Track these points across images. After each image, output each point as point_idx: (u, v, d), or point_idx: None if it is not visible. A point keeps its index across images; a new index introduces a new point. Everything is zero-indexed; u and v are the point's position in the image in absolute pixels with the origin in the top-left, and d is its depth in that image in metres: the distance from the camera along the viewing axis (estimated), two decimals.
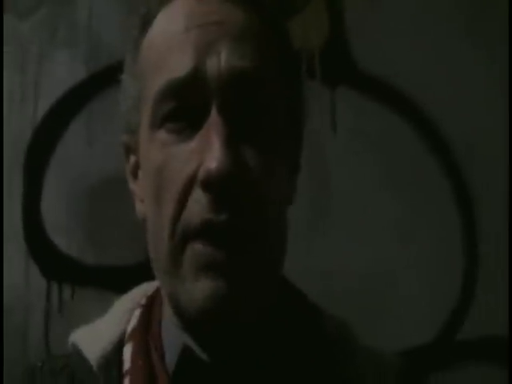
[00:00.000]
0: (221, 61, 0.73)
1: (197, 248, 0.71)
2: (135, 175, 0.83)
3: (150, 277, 0.88)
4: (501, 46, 1.90)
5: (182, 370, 0.76)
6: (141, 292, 0.91)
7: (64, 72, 1.77)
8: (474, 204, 1.87)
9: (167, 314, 0.81)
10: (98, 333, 0.87)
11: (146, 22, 0.80)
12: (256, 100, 0.74)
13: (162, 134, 0.74)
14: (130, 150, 0.84)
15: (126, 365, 0.81)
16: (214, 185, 0.70)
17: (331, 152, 1.81)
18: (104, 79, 1.74)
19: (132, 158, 0.83)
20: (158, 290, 0.88)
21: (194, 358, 0.76)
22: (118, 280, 1.63)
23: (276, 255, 0.77)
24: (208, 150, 0.70)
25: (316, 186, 1.78)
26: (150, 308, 0.86)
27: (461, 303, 1.84)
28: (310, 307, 0.86)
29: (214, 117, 0.72)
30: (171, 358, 0.78)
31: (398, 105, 1.87)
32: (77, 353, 0.85)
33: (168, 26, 0.77)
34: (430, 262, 1.82)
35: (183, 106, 0.73)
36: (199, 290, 0.71)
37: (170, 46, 0.75)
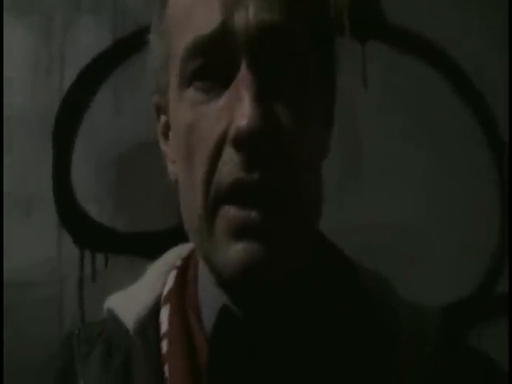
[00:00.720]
0: (249, 15, 0.70)
1: (229, 210, 0.70)
2: (166, 136, 0.82)
3: (182, 241, 0.88)
4: None
5: (220, 329, 0.74)
6: (175, 254, 0.91)
7: (89, 40, 1.75)
8: (504, 146, 1.84)
9: (203, 272, 0.80)
10: (133, 297, 0.86)
11: None
12: (286, 54, 0.72)
13: (191, 93, 0.73)
14: (160, 109, 0.82)
15: (164, 327, 0.81)
16: (244, 142, 0.68)
17: (362, 107, 1.79)
18: (130, 45, 1.72)
19: (163, 118, 0.82)
20: (192, 252, 0.87)
21: (232, 317, 0.75)
22: (150, 246, 1.62)
23: (311, 214, 0.75)
24: (238, 107, 0.68)
25: (346, 143, 1.77)
26: (186, 270, 0.85)
27: (497, 255, 1.81)
28: (346, 261, 0.85)
29: (243, 72, 0.70)
30: (208, 318, 0.77)
31: (429, 57, 1.84)
32: (113, 318, 0.85)
33: None
34: (464, 213, 1.80)
35: (212, 63, 0.71)
36: (233, 253, 0.70)
37: (196, 1, 0.73)
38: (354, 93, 1.77)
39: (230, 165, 0.69)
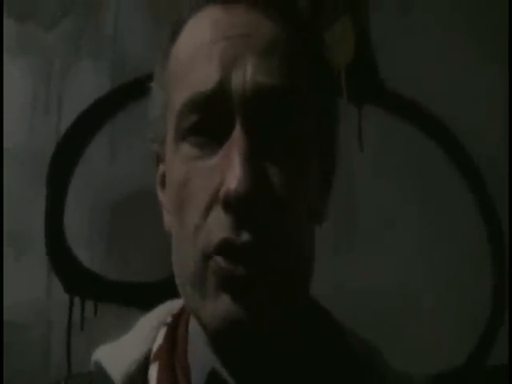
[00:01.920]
0: (246, 76, 0.71)
1: (219, 262, 0.69)
2: (163, 185, 0.82)
3: (174, 293, 0.86)
4: None
5: None
6: (166, 310, 0.89)
7: (88, 85, 1.76)
8: (500, 221, 1.85)
9: (194, 331, 0.79)
10: (122, 351, 0.85)
11: (175, 31, 0.78)
12: (281, 117, 0.72)
13: (186, 148, 0.73)
14: (159, 158, 0.82)
15: None
16: (233, 205, 0.68)
17: (357, 170, 1.80)
18: (128, 93, 1.73)
19: (161, 167, 0.82)
20: (183, 309, 0.86)
21: (221, 381, 0.74)
22: (141, 296, 1.62)
23: (300, 275, 0.75)
24: (229, 169, 0.68)
25: (342, 205, 1.77)
26: (176, 327, 0.84)
27: (489, 328, 1.81)
28: (338, 327, 0.84)
29: (236, 133, 0.70)
30: (197, 379, 0.76)
31: (424, 123, 1.86)
32: (100, 371, 0.83)
33: (195, 36, 0.75)
34: (457, 281, 1.80)
35: (207, 120, 0.71)
36: (220, 305, 0.69)
37: (196, 57, 0.73)
38: (350, 155, 1.79)
39: (220, 224, 0.69)
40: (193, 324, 0.80)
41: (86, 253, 1.70)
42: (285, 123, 0.72)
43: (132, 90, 1.72)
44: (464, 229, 1.84)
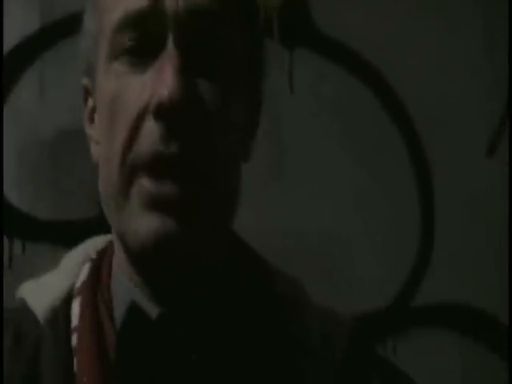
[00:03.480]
0: None
1: (144, 182, 0.71)
2: (92, 119, 0.83)
3: (103, 231, 0.87)
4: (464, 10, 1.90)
5: (129, 328, 0.75)
6: (91, 246, 0.90)
7: (17, 23, 1.72)
8: (431, 171, 1.89)
9: (118, 265, 0.80)
10: (46, 287, 0.85)
11: None
12: (213, 36, 0.74)
13: (118, 66, 0.74)
14: (88, 92, 0.83)
15: (74, 320, 0.80)
16: (164, 113, 0.69)
17: (288, 112, 1.81)
18: (58, 31, 1.70)
19: (90, 102, 0.83)
20: (108, 245, 0.87)
21: (141, 316, 0.75)
22: (70, 235, 1.61)
23: (226, 200, 0.76)
24: (160, 79, 0.70)
25: (271, 146, 1.78)
26: (101, 262, 0.85)
27: (415, 270, 1.86)
28: (263, 265, 0.86)
29: (169, 49, 0.72)
30: (120, 314, 0.77)
31: (356, 67, 1.87)
32: (23, 307, 0.84)
33: None
34: (385, 227, 1.84)
35: (140, 38, 0.73)
36: (144, 225, 0.71)
37: None
38: (280, 96, 1.79)
39: (150, 137, 0.71)
40: (117, 260, 0.81)
41: (15, 192, 1.67)
42: (216, 45, 0.74)
43: (61, 28, 1.69)
44: (394, 173, 1.87)
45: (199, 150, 0.71)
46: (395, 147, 1.88)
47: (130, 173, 0.72)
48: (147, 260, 0.74)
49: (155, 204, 0.70)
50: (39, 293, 0.84)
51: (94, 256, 0.87)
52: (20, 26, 1.72)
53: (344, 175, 1.83)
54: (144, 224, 0.71)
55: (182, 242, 0.71)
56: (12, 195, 1.67)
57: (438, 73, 1.90)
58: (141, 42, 0.73)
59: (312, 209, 1.80)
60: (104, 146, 0.76)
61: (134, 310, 0.75)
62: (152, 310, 0.76)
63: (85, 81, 0.83)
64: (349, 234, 1.82)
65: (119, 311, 0.77)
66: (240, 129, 0.78)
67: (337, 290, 1.73)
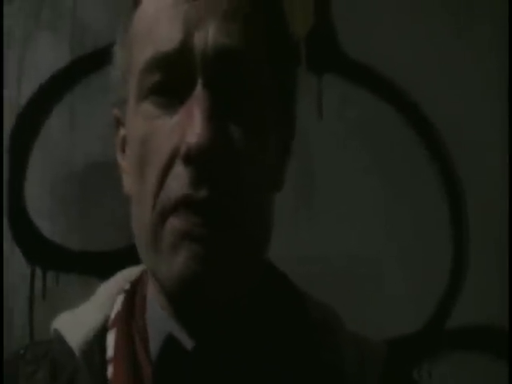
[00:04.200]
0: (208, 37, 0.73)
1: (176, 222, 0.71)
2: (123, 149, 0.83)
3: (134, 262, 0.88)
4: (490, 33, 1.90)
5: (165, 360, 0.75)
6: (124, 277, 0.91)
7: (48, 56, 1.75)
8: (461, 192, 1.87)
9: (152, 295, 0.81)
10: (80, 319, 0.86)
11: None
12: (242, 79, 0.74)
13: (147, 106, 0.74)
14: (119, 123, 0.84)
15: (110, 352, 0.81)
16: (193, 159, 0.70)
17: (316, 138, 1.81)
18: (88, 64, 1.72)
19: (121, 132, 0.84)
20: (141, 275, 0.87)
21: (177, 347, 0.75)
22: (102, 266, 1.62)
23: (257, 237, 0.76)
24: (190, 125, 0.70)
25: (300, 173, 1.78)
26: (134, 293, 0.86)
27: (448, 292, 1.84)
28: (296, 292, 0.86)
29: (198, 91, 0.72)
30: (155, 344, 0.77)
31: (384, 92, 1.87)
32: (59, 339, 0.85)
33: (158, 0, 0.77)
34: (416, 248, 1.82)
35: (169, 80, 0.73)
36: (175, 265, 0.71)
37: (159, 18, 0.75)
38: (309, 123, 1.80)
39: (179, 181, 0.71)
40: (151, 290, 0.81)
41: (48, 224, 1.69)
42: (245, 85, 0.74)
43: (91, 62, 1.71)
44: (423, 194, 1.86)
45: (229, 193, 0.72)
46: (423, 169, 1.87)
47: (161, 215, 0.72)
48: (179, 299, 0.74)
49: (186, 243, 0.71)
50: (74, 325, 0.85)
51: (127, 287, 0.88)
52: (50, 59, 1.74)
53: (372, 198, 1.82)
54: (175, 264, 0.71)
55: (213, 281, 0.71)
56: (45, 227, 1.69)
57: (466, 92, 1.89)
58: (169, 83, 0.73)
59: (340, 233, 1.79)
60: (135, 186, 0.77)
61: (170, 341, 0.76)
62: (187, 341, 0.76)
63: (116, 111, 0.84)
64: (378, 256, 1.80)
65: (154, 342, 0.78)
66: (273, 160, 0.79)
67: (366, 314, 1.72)
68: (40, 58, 1.75)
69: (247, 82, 0.74)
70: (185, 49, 0.72)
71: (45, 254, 1.68)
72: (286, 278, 0.87)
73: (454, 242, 1.86)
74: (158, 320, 0.79)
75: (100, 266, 1.63)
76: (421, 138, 1.87)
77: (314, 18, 1.84)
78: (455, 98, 1.88)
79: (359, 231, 1.80)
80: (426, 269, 1.82)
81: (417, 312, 1.82)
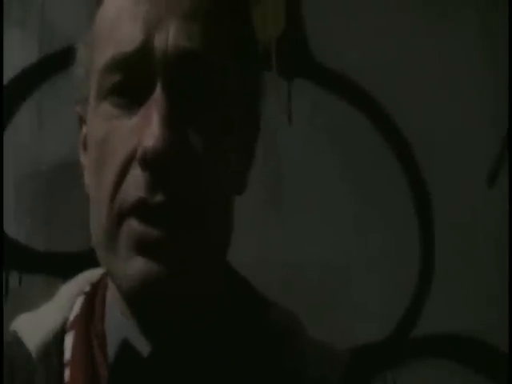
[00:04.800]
0: (169, 39, 0.72)
1: (132, 224, 0.70)
2: (85, 147, 0.82)
3: (98, 263, 0.87)
4: (457, 34, 1.92)
5: (121, 364, 0.74)
6: (85, 279, 0.90)
7: (16, 54, 1.73)
8: (430, 199, 1.89)
9: (112, 299, 0.80)
10: (39, 320, 0.85)
11: None
12: (203, 81, 0.73)
13: (106, 107, 0.74)
14: (82, 120, 0.83)
15: (67, 354, 0.80)
16: (149, 163, 0.69)
17: (286, 143, 1.82)
18: (56, 63, 1.71)
19: (84, 129, 0.82)
20: (102, 277, 0.86)
21: (133, 352, 0.75)
22: (66, 267, 1.61)
23: (216, 241, 0.76)
24: (147, 128, 0.69)
25: (269, 178, 1.78)
26: (94, 296, 0.85)
27: (415, 300, 1.85)
28: (257, 297, 0.86)
29: (157, 94, 0.71)
30: (113, 348, 0.76)
31: (353, 98, 1.88)
32: (16, 341, 0.83)
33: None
34: (385, 256, 1.84)
35: (128, 81, 0.72)
36: (132, 267, 0.70)
37: (120, 17, 0.74)
38: (278, 127, 1.80)
39: (135, 183, 0.70)
40: (111, 293, 0.81)
41: (12, 224, 1.68)
42: (205, 88, 0.73)
43: (59, 60, 1.70)
44: (394, 202, 1.87)
45: (186, 197, 0.71)
46: (394, 176, 1.88)
47: (117, 215, 0.71)
48: (136, 301, 0.73)
49: (143, 246, 0.70)
50: (33, 326, 0.84)
51: (87, 289, 0.87)
52: (19, 57, 1.73)
53: (342, 204, 1.83)
54: (132, 266, 0.70)
55: (171, 284, 0.70)
56: (10, 227, 1.67)
57: (438, 100, 1.91)
58: (129, 84, 0.72)
59: (310, 238, 1.80)
60: (92, 186, 0.76)
61: (125, 346, 0.75)
62: (144, 346, 0.75)
63: (78, 109, 0.83)
64: (347, 263, 1.81)
65: (112, 346, 0.77)
66: (234, 164, 0.78)
67: (335, 321, 1.72)
68: (9, 56, 1.73)
69: (208, 84, 0.74)
70: (145, 50, 0.71)
71: (8, 254, 1.66)
72: (248, 283, 0.86)
73: (423, 249, 1.87)
74: (116, 324, 0.78)
75: (65, 266, 1.62)
76: (390, 144, 1.88)
77: (285, 23, 1.84)
78: (429, 104, 1.90)
79: (328, 237, 1.81)
80: (394, 276, 1.83)
81: (385, 320, 1.83)
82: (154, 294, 0.71)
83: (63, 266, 1.64)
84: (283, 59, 1.83)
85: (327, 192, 1.83)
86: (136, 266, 0.70)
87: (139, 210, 0.70)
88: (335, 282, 1.80)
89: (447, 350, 1.85)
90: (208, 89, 0.73)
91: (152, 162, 0.69)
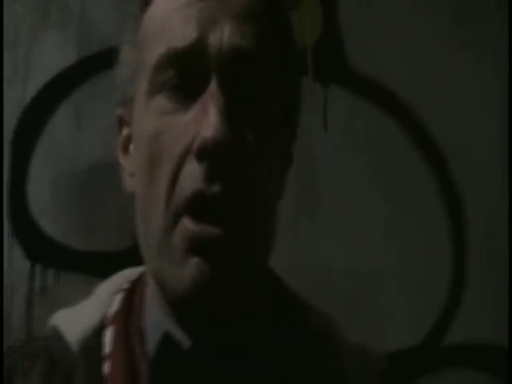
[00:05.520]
0: (224, 37, 0.73)
1: (187, 224, 0.71)
2: (126, 149, 0.83)
3: (135, 263, 0.88)
4: (492, 46, 1.91)
5: (161, 357, 0.75)
6: (124, 277, 0.91)
7: (55, 55, 1.75)
8: (462, 207, 1.88)
9: (151, 296, 0.81)
10: (79, 316, 0.86)
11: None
12: (255, 80, 0.75)
13: (160, 101, 0.74)
14: (122, 122, 0.84)
15: (107, 348, 0.81)
16: (208, 153, 0.70)
17: (322, 150, 1.82)
18: (94, 65, 1.73)
19: (124, 131, 0.83)
20: (141, 276, 0.88)
21: (174, 345, 0.76)
22: (103, 265, 1.62)
23: (264, 243, 0.77)
24: (204, 120, 0.70)
25: (304, 184, 1.79)
26: (133, 293, 0.86)
27: (447, 307, 1.85)
28: (295, 300, 0.86)
29: (212, 88, 0.72)
30: (152, 343, 0.77)
31: (389, 105, 1.88)
32: (56, 335, 0.85)
33: (170, 1, 0.77)
34: (416, 262, 1.83)
35: (182, 76, 0.73)
36: (186, 271, 0.71)
37: (173, 17, 0.75)
38: (314, 134, 1.80)
39: (192, 177, 0.71)
40: (150, 289, 0.82)
41: (50, 223, 1.69)
42: (256, 87, 0.75)
43: (98, 62, 1.72)
44: (425, 210, 1.87)
45: (240, 190, 0.72)
46: (426, 184, 1.88)
47: (173, 213, 0.72)
48: (186, 302, 0.74)
49: (198, 246, 0.71)
50: (72, 321, 0.85)
51: (126, 286, 0.88)
52: (57, 59, 1.75)
53: (374, 212, 1.83)
54: (187, 267, 0.71)
55: (222, 288, 0.71)
56: (46, 225, 1.69)
57: (468, 107, 1.90)
58: (183, 79, 0.73)
59: (343, 245, 1.80)
60: (144, 184, 0.76)
61: (166, 339, 0.76)
62: (184, 340, 0.76)
63: (119, 111, 0.84)
64: (379, 270, 1.81)
65: (151, 341, 0.78)
66: (277, 168, 0.79)
67: (365, 326, 1.72)
68: (47, 57, 1.75)
69: (259, 85, 0.75)
70: (199, 47, 0.73)
71: (45, 252, 1.68)
72: (288, 287, 0.87)
73: (454, 257, 1.86)
74: (156, 320, 0.79)
75: (101, 266, 1.64)
76: (424, 152, 1.88)
77: (321, 29, 1.84)
78: (458, 112, 1.89)
79: (361, 244, 1.81)
80: (425, 284, 1.83)
81: (415, 327, 1.82)
82: (206, 296, 0.71)
83: (100, 264, 1.65)
84: (319, 65, 1.83)
85: (360, 198, 1.83)
86: (190, 270, 0.71)
87: (196, 204, 0.70)
88: (366, 288, 1.79)
89: (479, 360, 1.84)
90: (258, 88, 0.75)
91: (211, 151, 0.69)
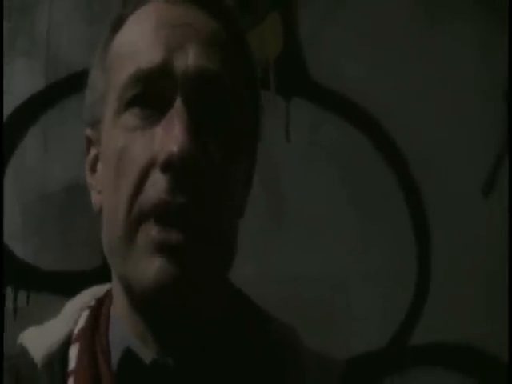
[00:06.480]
0: (189, 59, 0.76)
1: (151, 229, 0.73)
2: (93, 169, 0.85)
3: (105, 281, 0.90)
4: (453, 54, 1.95)
5: (124, 373, 0.77)
6: (91, 294, 0.92)
7: (22, 82, 1.77)
8: (428, 217, 1.92)
9: (116, 311, 0.83)
10: (45, 333, 0.88)
11: (117, 23, 0.83)
12: (219, 100, 0.77)
13: (128, 118, 0.77)
14: (91, 142, 0.86)
15: (71, 364, 0.82)
16: (173, 166, 0.72)
17: (285, 162, 1.85)
18: (62, 89, 1.76)
19: (92, 151, 0.85)
20: (107, 293, 0.89)
21: (135, 360, 0.77)
22: (73, 285, 1.61)
23: (227, 253, 0.79)
24: (170, 134, 0.72)
25: (269, 196, 1.82)
26: (98, 310, 0.87)
27: (412, 311, 1.88)
28: (256, 311, 0.88)
29: (178, 106, 0.74)
30: (116, 359, 0.79)
31: (352, 116, 1.91)
32: (24, 352, 0.86)
33: (139, 24, 0.80)
34: (382, 272, 1.86)
35: (149, 93, 0.76)
36: (151, 267, 0.73)
37: (141, 42, 0.78)
38: (278, 147, 1.83)
39: (156, 187, 0.73)
40: (115, 306, 0.83)
41: (19, 245, 1.71)
42: (220, 107, 0.77)
43: (65, 87, 1.74)
44: (391, 217, 1.90)
45: (204, 202, 0.74)
46: (392, 191, 1.91)
47: (136, 220, 0.74)
48: (149, 302, 0.76)
49: (161, 249, 0.73)
50: (38, 338, 0.87)
51: (92, 303, 0.89)
52: (25, 85, 1.77)
53: (341, 221, 1.86)
54: (151, 267, 0.73)
55: (184, 288, 0.73)
56: (17, 247, 1.70)
57: (435, 115, 1.93)
58: (149, 97, 0.76)
59: (310, 254, 1.82)
60: (109, 196, 0.78)
61: (129, 355, 0.78)
62: (147, 355, 0.78)
63: (88, 131, 0.86)
64: (346, 277, 1.84)
65: (116, 357, 0.79)
66: (239, 185, 0.82)
67: (335, 332, 1.74)
68: (16, 84, 1.77)
69: (224, 105, 0.78)
70: (166, 68, 0.76)
71: (16, 274, 1.69)
72: (249, 299, 0.89)
73: (420, 262, 1.90)
74: (120, 336, 0.81)
75: (71, 285, 1.63)
76: (388, 159, 1.91)
77: (282, 44, 1.88)
78: (426, 124, 1.92)
79: (328, 253, 1.84)
80: (392, 289, 1.86)
81: (382, 330, 1.85)
82: (168, 294, 0.73)
83: (70, 284, 1.65)
84: (281, 79, 1.87)
85: (326, 209, 1.85)
86: (155, 266, 0.73)
87: (159, 212, 0.73)
88: (333, 295, 1.82)
89: (446, 359, 1.87)
90: (223, 108, 0.78)
91: (176, 164, 0.71)
